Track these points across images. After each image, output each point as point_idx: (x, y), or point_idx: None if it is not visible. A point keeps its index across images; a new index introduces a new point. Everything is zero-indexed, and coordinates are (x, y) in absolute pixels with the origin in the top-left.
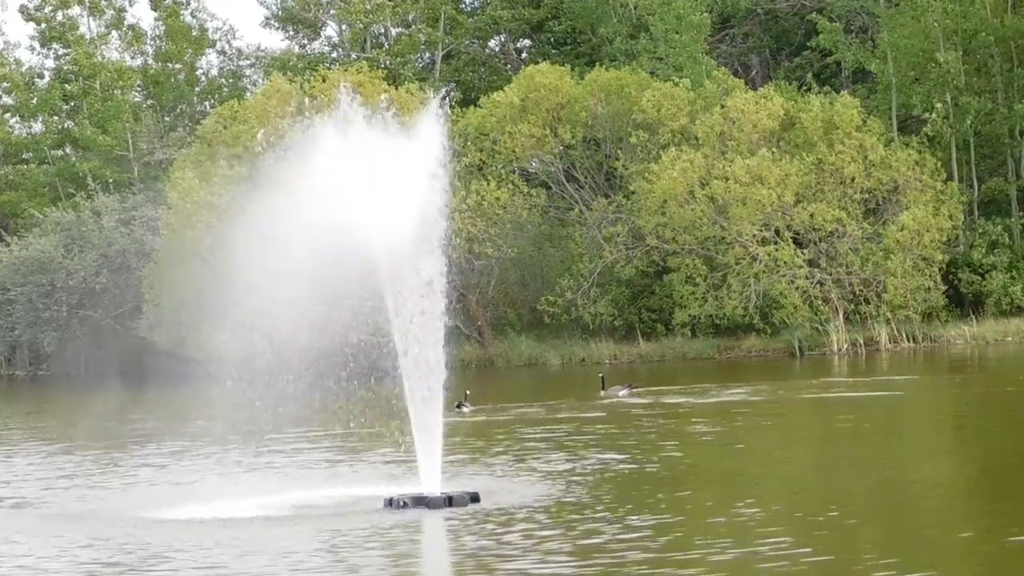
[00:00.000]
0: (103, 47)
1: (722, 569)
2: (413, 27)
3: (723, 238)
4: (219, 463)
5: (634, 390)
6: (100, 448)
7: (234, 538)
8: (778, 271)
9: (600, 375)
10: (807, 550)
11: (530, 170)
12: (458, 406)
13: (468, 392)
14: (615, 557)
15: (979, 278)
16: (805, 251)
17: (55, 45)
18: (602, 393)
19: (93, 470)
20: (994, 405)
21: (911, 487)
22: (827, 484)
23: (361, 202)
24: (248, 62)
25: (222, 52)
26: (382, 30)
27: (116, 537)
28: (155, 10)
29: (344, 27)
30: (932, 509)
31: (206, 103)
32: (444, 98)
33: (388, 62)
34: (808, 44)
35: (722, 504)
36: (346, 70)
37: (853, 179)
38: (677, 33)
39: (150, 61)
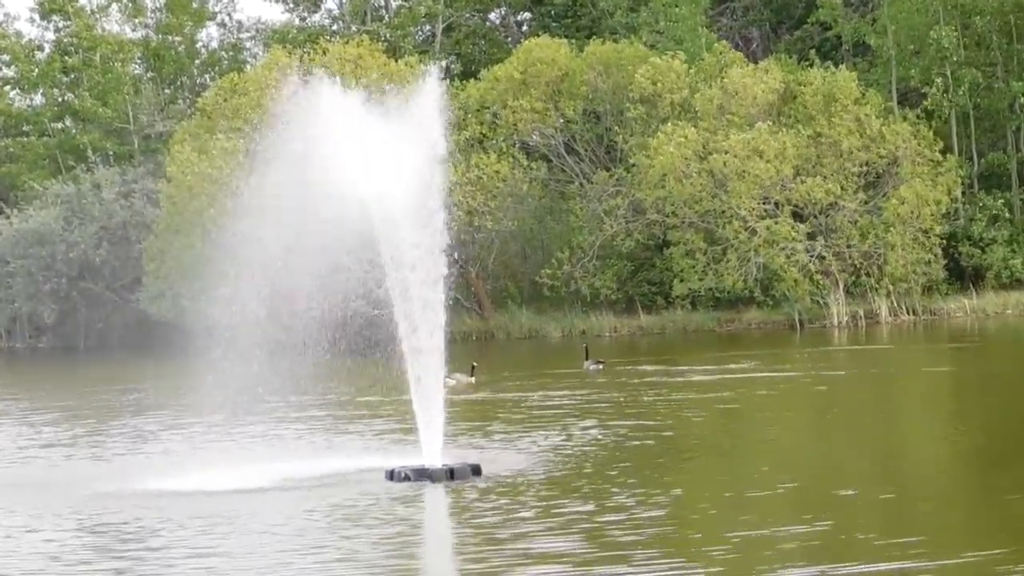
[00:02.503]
0: (103, 19)
1: (745, 547)
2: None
3: (723, 211)
4: (215, 434)
5: (602, 366)
6: (91, 419)
7: (227, 511)
8: (777, 244)
9: (584, 345)
10: (827, 524)
11: (530, 143)
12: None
13: (475, 364)
14: (627, 533)
15: (979, 251)
16: (805, 224)
17: (55, 17)
18: (585, 364)
19: (77, 441)
20: (1000, 378)
21: (934, 462)
22: (842, 459)
23: (358, 172)
24: (248, 35)
25: (222, 25)
26: (382, 2)
27: (97, 512)
28: None
29: None
30: (960, 486)
31: (206, 76)
32: (446, 70)
33: (388, 35)
34: (808, 18)
35: (736, 477)
36: (346, 43)
37: (851, 152)
38: (677, 6)
39: (150, 33)
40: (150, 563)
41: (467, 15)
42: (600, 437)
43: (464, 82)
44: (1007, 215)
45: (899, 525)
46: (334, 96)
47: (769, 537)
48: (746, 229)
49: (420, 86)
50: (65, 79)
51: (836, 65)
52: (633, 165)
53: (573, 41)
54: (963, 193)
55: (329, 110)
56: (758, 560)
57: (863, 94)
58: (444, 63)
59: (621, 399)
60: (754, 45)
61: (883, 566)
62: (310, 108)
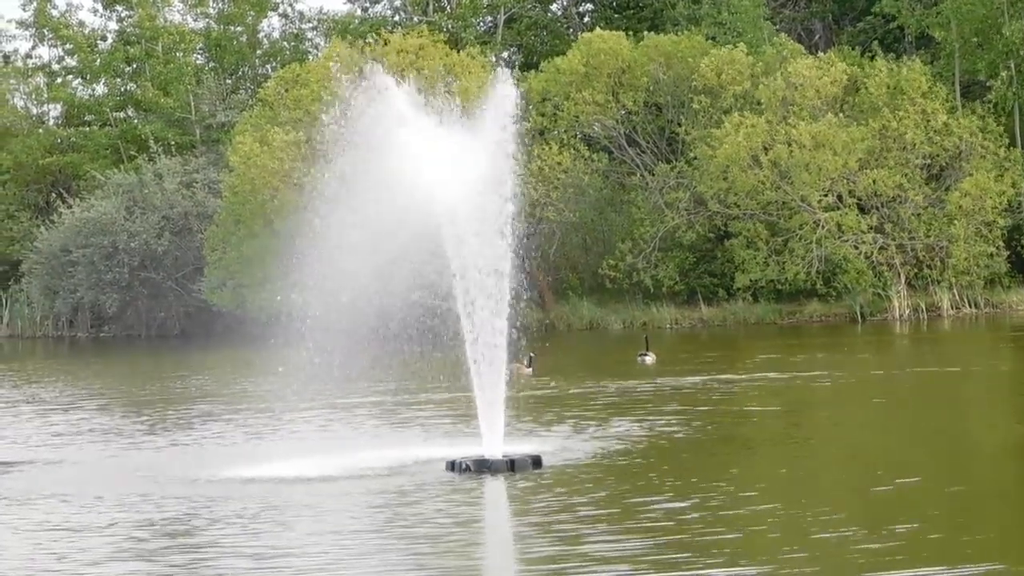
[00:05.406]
0: (165, 9)
1: (829, 550)
2: None
3: (785, 203)
4: (276, 423)
5: (646, 359)
6: (148, 407)
7: (286, 502)
8: (842, 236)
9: (645, 336)
10: (913, 525)
11: (592, 135)
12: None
13: (533, 355)
14: (698, 532)
15: None
16: (868, 216)
17: (118, 7)
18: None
19: (135, 428)
20: None
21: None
22: (920, 455)
23: (427, 165)
24: (310, 25)
25: (284, 15)
26: None
27: (144, 502)
28: None
29: None
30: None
31: (267, 66)
32: (507, 61)
33: (450, 26)
34: (872, 9)
35: (810, 473)
36: (406, 34)
37: (915, 145)
38: None
39: (212, 24)
40: (194, 559)
41: (529, 6)
42: (662, 430)
43: (525, 73)
44: None
45: (995, 524)
46: (404, 103)
47: (856, 538)
48: (812, 221)
49: (493, 94)
50: (127, 69)
51: (899, 56)
52: (695, 158)
53: (632, 34)
54: None
55: (399, 120)
56: (842, 565)
57: (931, 87)
58: (506, 54)
59: (684, 391)
60: (816, 37)
61: (984, 567)
62: (378, 113)
